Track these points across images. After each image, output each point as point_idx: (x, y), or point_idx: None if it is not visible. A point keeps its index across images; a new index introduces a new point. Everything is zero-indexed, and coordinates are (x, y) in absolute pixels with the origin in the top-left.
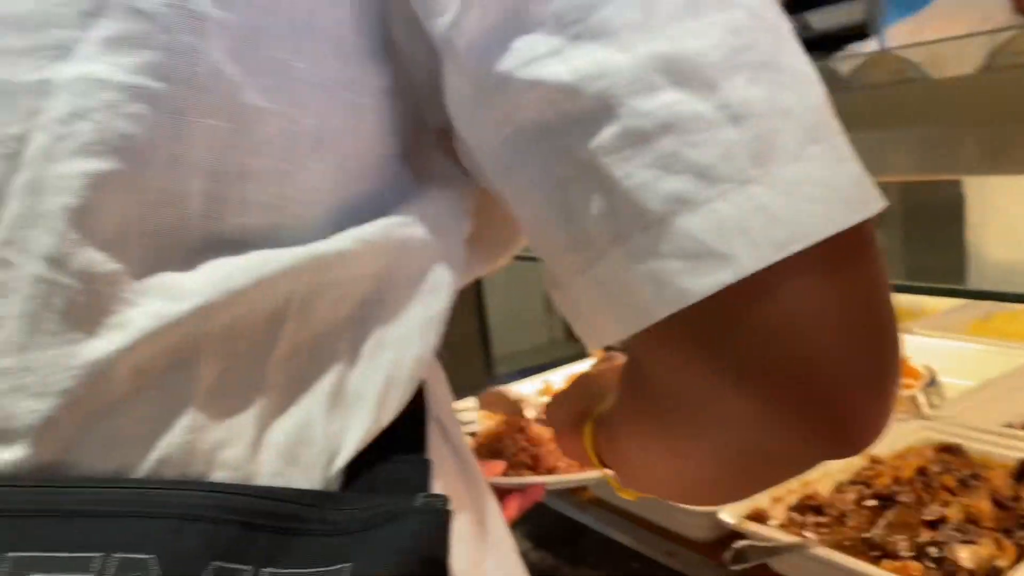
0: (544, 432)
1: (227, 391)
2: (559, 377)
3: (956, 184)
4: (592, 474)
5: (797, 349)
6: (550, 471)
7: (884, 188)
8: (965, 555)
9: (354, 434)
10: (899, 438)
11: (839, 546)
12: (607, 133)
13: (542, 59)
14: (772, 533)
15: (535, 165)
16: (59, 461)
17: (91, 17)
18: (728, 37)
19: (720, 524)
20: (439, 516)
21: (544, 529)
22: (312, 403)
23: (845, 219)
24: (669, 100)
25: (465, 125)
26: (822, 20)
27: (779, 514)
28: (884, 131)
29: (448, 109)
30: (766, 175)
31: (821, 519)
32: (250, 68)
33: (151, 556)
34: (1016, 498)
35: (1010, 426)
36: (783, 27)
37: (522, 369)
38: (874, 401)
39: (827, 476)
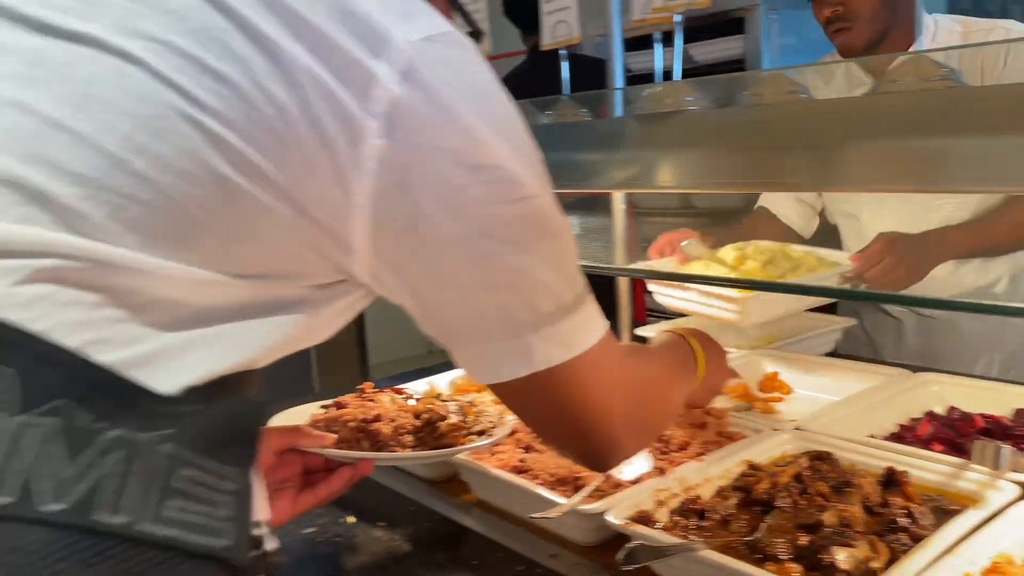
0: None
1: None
2: (443, 380)
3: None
4: (422, 454)
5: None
6: (380, 450)
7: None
8: (842, 557)
9: (193, 371)
10: (775, 447)
11: (724, 549)
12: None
13: None
14: (661, 536)
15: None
16: None
17: None
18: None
19: (604, 527)
20: (250, 403)
21: (425, 531)
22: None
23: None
24: None
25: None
26: (703, 53)
27: (663, 517)
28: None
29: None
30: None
31: (703, 523)
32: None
33: (12, 371)
34: (884, 504)
35: (873, 437)
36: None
37: (397, 375)
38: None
39: (708, 481)
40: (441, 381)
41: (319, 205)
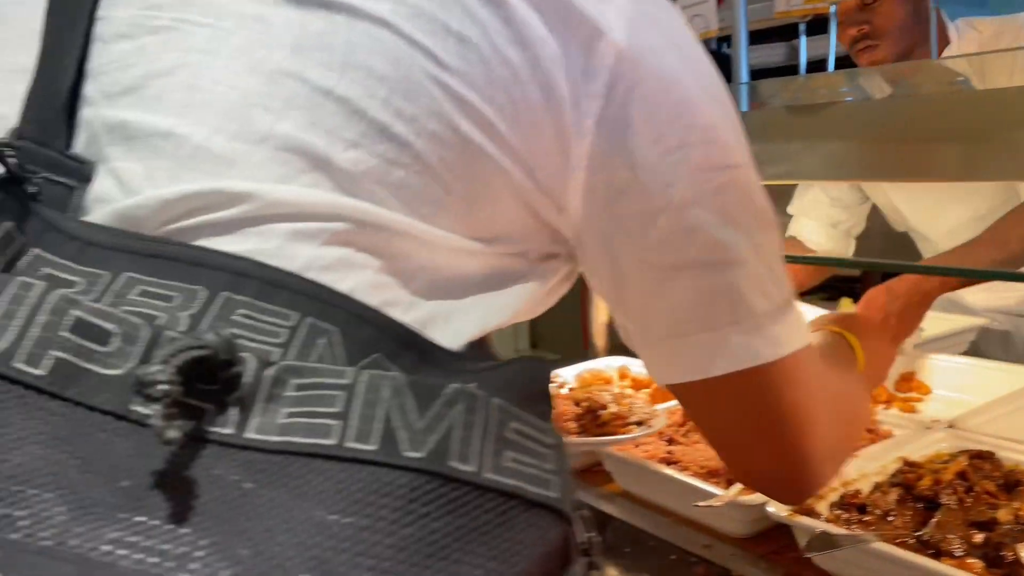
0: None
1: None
2: (569, 372)
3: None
4: (604, 440)
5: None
6: None
7: None
8: None
9: (461, 334)
10: (930, 444)
11: (895, 544)
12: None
13: None
14: (830, 528)
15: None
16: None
17: None
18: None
19: (760, 519)
20: (541, 362)
21: None
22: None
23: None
24: None
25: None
26: (811, 49)
27: (823, 510)
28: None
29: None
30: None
31: (864, 517)
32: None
33: (335, 328)
34: None
35: None
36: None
37: None
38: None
39: (864, 477)
40: (568, 374)
41: (543, 167)
